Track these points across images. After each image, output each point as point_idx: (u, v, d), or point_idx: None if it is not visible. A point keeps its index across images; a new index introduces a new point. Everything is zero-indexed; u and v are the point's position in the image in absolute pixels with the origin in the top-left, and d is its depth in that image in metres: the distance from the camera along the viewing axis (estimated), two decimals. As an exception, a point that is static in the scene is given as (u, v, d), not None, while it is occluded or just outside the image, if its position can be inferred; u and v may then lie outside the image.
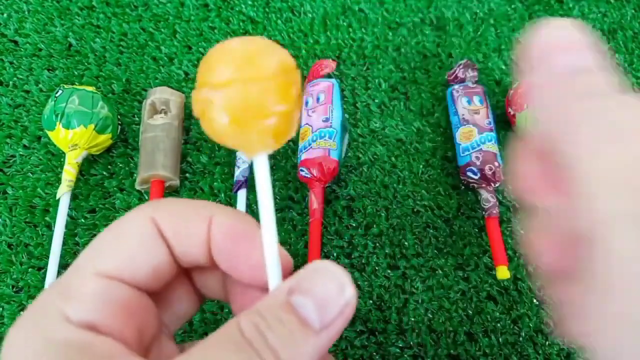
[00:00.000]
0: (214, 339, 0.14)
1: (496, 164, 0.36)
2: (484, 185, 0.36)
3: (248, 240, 0.17)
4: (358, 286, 0.34)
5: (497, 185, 0.37)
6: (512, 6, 0.47)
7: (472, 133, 0.37)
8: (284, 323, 0.14)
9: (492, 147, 0.36)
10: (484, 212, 0.36)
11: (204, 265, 0.18)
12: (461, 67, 0.40)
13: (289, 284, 0.15)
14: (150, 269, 0.16)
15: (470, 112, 0.38)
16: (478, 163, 0.36)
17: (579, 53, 0.14)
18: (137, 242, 0.16)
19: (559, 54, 0.14)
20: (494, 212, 0.35)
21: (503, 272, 0.32)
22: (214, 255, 0.17)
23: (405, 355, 0.32)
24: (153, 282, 0.16)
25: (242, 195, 0.36)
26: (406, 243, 0.36)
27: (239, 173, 0.36)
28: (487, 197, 0.36)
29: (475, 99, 0.39)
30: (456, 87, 0.40)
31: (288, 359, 0.14)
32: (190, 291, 0.19)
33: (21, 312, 0.32)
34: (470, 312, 0.33)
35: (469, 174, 0.36)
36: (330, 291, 0.14)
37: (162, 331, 0.18)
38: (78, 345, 0.14)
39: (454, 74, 0.40)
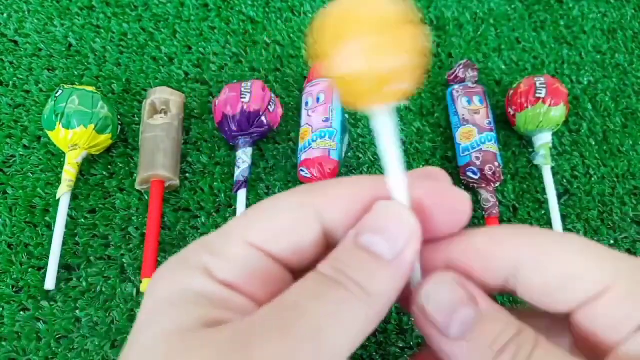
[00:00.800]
0: (299, 286, 0.14)
1: (496, 164, 0.36)
2: (484, 185, 0.36)
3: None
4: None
5: (497, 185, 0.37)
6: (512, 6, 0.47)
7: (472, 133, 0.37)
8: (360, 260, 0.15)
9: (492, 147, 0.36)
10: (484, 212, 0.36)
11: None
12: (461, 67, 0.40)
13: (356, 228, 0.16)
14: (297, 248, 0.16)
15: (470, 112, 0.38)
16: (478, 163, 0.36)
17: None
18: (290, 222, 0.16)
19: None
20: (494, 212, 0.35)
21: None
22: None
23: (405, 355, 0.32)
24: (296, 260, 0.17)
25: (242, 195, 0.36)
26: (406, 243, 0.36)
27: (238, 173, 0.36)
28: (487, 197, 0.36)
29: (475, 98, 0.39)
30: (456, 87, 0.40)
31: (371, 289, 0.14)
32: None
33: (21, 312, 0.32)
34: (470, 312, 0.33)
35: (469, 174, 0.36)
36: (395, 224, 0.15)
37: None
38: (216, 297, 0.14)
39: (454, 74, 0.40)
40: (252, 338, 0.13)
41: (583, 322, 0.16)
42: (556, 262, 0.15)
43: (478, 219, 0.37)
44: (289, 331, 0.13)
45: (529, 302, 0.16)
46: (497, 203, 0.36)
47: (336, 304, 0.14)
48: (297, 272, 0.17)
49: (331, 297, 0.14)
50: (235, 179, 0.36)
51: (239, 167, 0.36)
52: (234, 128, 0.36)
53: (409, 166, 0.39)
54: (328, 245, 0.17)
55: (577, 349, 0.18)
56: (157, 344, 0.14)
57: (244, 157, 0.36)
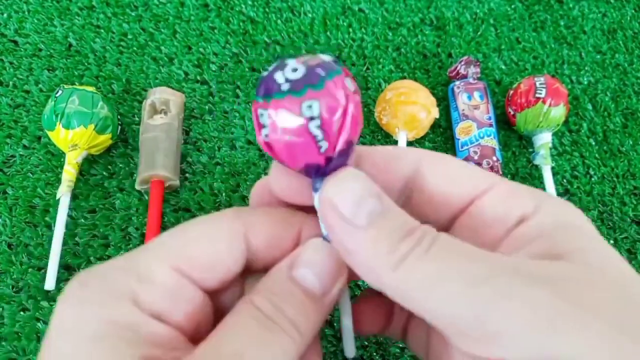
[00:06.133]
0: (234, 321, 0.15)
1: (494, 158, 0.36)
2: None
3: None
4: (358, 286, 0.34)
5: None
6: (512, 6, 0.47)
7: (471, 128, 0.37)
8: (292, 295, 0.15)
9: (490, 141, 0.36)
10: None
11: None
12: (462, 63, 0.40)
13: (287, 260, 0.16)
14: (224, 276, 0.16)
15: (470, 107, 0.38)
16: (476, 157, 0.36)
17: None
18: (223, 250, 0.16)
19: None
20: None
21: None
22: None
23: (405, 355, 0.32)
24: (214, 283, 0.16)
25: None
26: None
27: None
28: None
29: (476, 94, 0.39)
30: (457, 83, 0.40)
31: (303, 328, 0.15)
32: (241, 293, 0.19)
33: (21, 313, 0.32)
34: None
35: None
36: (326, 262, 0.16)
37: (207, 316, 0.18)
38: (146, 332, 0.14)
39: (455, 70, 0.41)
40: None
41: (471, 224, 0.17)
42: (452, 164, 0.17)
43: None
44: None
45: (429, 197, 0.17)
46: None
47: (277, 350, 0.14)
48: (209, 289, 0.17)
49: (273, 343, 0.14)
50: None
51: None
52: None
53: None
54: (244, 266, 0.17)
55: None
56: None
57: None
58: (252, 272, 0.18)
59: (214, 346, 0.14)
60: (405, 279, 0.14)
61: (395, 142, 0.38)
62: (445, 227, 0.18)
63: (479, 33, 0.46)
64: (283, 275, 0.16)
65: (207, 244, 0.16)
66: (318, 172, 0.15)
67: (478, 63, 0.41)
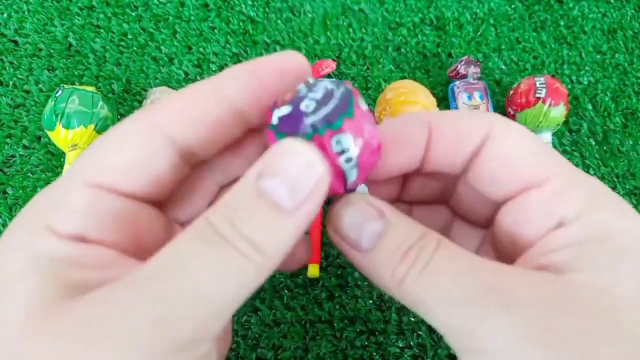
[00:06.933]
0: (183, 239, 0.13)
1: None
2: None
3: None
4: (358, 286, 0.34)
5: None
6: (512, 6, 0.47)
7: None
8: (256, 210, 0.13)
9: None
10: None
11: None
12: (462, 63, 0.40)
13: (256, 169, 0.14)
14: (153, 179, 0.15)
15: (470, 107, 0.38)
16: None
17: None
18: (138, 153, 0.14)
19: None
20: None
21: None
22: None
23: (405, 355, 0.32)
24: (156, 192, 0.15)
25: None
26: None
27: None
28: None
29: (476, 94, 0.39)
30: (457, 83, 0.40)
31: (265, 245, 0.13)
32: (207, 185, 0.18)
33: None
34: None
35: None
36: (299, 169, 0.13)
37: (172, 234, 0.17)
38: (65, 258, 0.13)
39: (455, 70, 0.41)
40: (112, 309, 0.12)
41: (510, 217, 0.16)
42: (520, 143, 0.16)
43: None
44: (165, 297, 0.12)
45: (476, 181, 0.17)
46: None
47: (225, 269, 0.13)
48: (163, 203, 0.16)
49: (219, 263, 0.13)
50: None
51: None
52: None
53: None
54: (195, 162, 0.16)
55: (491, 250, 0.19)
56: (20, 336, 0.12)
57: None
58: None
59: (151, 265, 0.13)
60: (407, 296, 0.15)
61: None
62: (491, 209, 0.18)
63: (479, 33, 0.46)
64: (248, 186, 0.13)
65: (124, 151, 0.14)
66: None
67: (478, 63, 0.41)
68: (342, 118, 0.14)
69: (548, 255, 0.15)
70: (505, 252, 0.17)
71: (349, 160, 0.14)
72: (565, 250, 0.14)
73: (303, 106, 0.14)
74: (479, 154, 0.17)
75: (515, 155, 0.16)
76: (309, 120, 0.14)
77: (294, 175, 0.13)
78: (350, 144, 0.14)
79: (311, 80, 0.15)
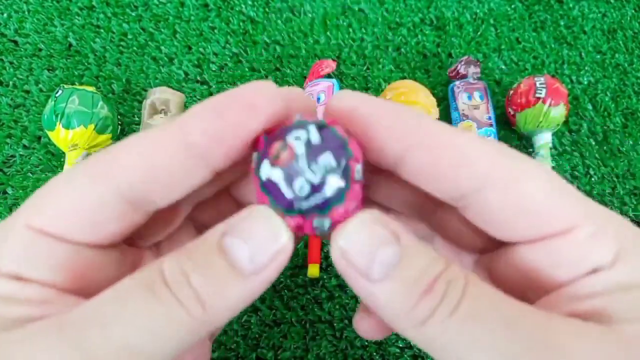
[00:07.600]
0: (125, 283, 0.13)
1: None
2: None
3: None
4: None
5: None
6: (512, 6, 0.47)
7: (471, 128, 0.37)
8: (212, 265, 0.13)
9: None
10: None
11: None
12: (462, 63, 0.40)
13: (225, 224, 0.13)
14: (95, 226, 0.14)
15: (470, 107, 0.38)
16: None
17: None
18: (79, 199, 0.14)
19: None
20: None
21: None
22: None
23: (405, 355, 0.32)
24: (102, 237, 0.15)
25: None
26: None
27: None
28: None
29: (476, 94, 0.39)
30: (457, 83, 0.40)
31: (211, 302, 0.13)
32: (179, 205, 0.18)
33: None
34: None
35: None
36: (264, 236, 0.13)
37: (137, 267, 0.17)
38: (2, 294, 0.13)
39: (455, 70, 0.41)
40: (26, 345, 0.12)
41: (528, 257, 0.15)
42: (530, 188, 0.14)
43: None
44: (88, 346, 0.12)
45: (490, 220, 0.15)
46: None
47: (161, 323, 0.12)
48: (121, 245, 0.16)
49: (157, 315, 0.12)
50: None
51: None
52: None
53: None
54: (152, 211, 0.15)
55: (488, 279, 0.17)
56: None
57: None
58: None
59: (86, 307, 0.13)
60: (429, 340, 0.13)
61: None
62: (488, 241, 0.17)
63: (479, 33, 0.46)
64: (213, 239, 0.13)
65: (66, 196, 0.14)
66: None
67: (478, 63, 0.41)
68: (332, 206, 0.14)
69: (584, 301, 0.14)
70: (512, 286, 0.16)
71: (322, 230, 0.14)
72: (605, 296, 0.13)
73: (297, 187, 0.13)
74: (482, 192, 0.14)
75: (537, 199, 0.14)
76: (299, 204, 0.14)
77: (258, 240, 0.13)
78: (328, 224, 0.14)
79: (313, 137, 0.14)
